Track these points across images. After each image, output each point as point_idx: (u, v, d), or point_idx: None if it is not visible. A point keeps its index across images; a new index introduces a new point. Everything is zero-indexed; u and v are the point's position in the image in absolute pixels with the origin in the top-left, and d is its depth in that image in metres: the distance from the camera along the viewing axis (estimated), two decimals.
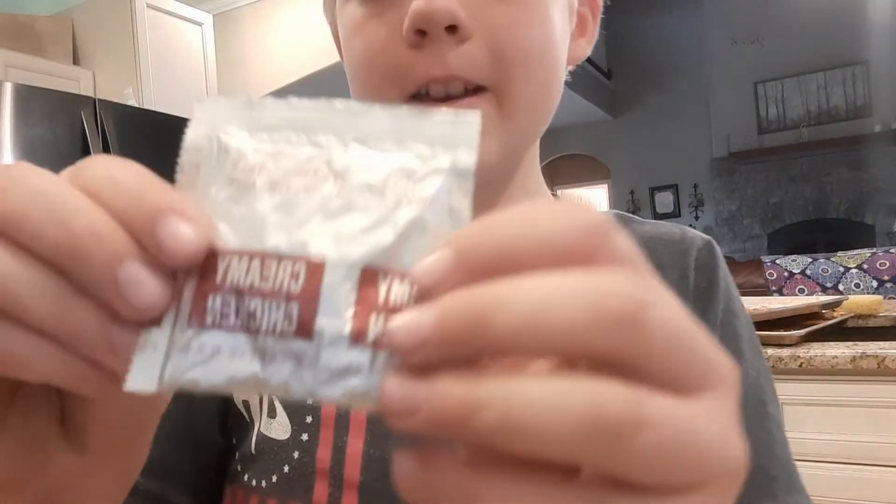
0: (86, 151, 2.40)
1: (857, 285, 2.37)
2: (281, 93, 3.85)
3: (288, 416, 0.44)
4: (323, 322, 0.18)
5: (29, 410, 0.23)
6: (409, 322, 0.17)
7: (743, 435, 0.18)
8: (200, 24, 3.43)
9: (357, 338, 0.18)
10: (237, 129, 0.21)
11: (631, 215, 0.54)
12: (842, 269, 2.40)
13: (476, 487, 0.17)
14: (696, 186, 7.85)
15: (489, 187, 0.45)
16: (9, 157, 2.19)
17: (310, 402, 0.18)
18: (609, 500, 0.17)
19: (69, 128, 2.39)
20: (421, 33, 0.39)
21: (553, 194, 0.55)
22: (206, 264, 0.19)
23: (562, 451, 0.16)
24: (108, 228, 0.18)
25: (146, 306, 0.18)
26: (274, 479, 0.42)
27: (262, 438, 0.44)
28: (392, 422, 0.17)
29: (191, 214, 0.18)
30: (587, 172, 8.57)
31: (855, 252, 2.45)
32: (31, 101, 2.30)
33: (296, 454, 0.43)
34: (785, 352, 1.46)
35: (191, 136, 0.21)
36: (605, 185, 8.61)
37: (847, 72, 6.91)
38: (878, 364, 1.37)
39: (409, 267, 0.18)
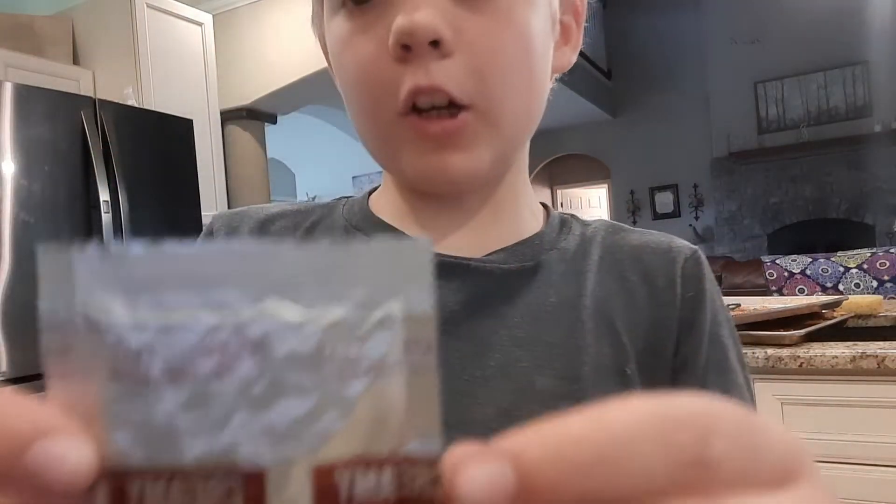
0: (86, 151, 2.40)
1: (857, 285, 2.37)
2: (281, 92, 3.85)
3: None
4: None
5: None
6: None
7: None
8: (200, 24, 3.43)
9: None
10: (107, 295, 0.15)
11: (621, 224, 0.55)
12: (842, 269, 2.39)
13: None
14: (696, 186, 7.84)
15: (480, 191, 0.49)
16: (9, 157, 2.19)
17: None
18: None
19: (69, 128, 2.38)
20: (406, 48, 0.41)
21: (552, 194, 0.55)
22: (113, 494, 0.14)
23: None
24: None
25: None
26: None
27: None
28: None
29: (65, 427, 0.15)
30: (587, 172, 8.57)
31: (855, 252, 2.45)
32: (31, 101, 2.29)
33: None
34: (785, 352, 1.46)
35: (45, 307, 0.15)
36: (605, 185, 8.60)
37: (847, 72, 6.90)
38: (878, 364, 1.37)
39: (379, 452, 0.15)
